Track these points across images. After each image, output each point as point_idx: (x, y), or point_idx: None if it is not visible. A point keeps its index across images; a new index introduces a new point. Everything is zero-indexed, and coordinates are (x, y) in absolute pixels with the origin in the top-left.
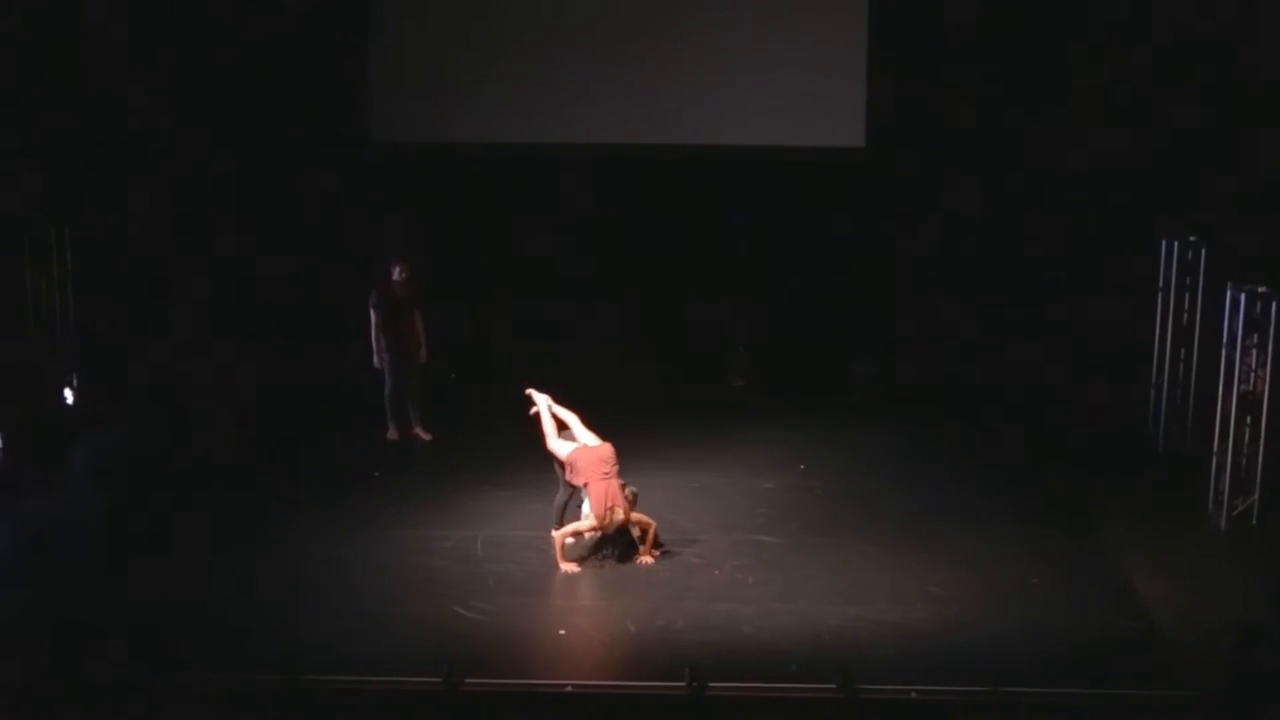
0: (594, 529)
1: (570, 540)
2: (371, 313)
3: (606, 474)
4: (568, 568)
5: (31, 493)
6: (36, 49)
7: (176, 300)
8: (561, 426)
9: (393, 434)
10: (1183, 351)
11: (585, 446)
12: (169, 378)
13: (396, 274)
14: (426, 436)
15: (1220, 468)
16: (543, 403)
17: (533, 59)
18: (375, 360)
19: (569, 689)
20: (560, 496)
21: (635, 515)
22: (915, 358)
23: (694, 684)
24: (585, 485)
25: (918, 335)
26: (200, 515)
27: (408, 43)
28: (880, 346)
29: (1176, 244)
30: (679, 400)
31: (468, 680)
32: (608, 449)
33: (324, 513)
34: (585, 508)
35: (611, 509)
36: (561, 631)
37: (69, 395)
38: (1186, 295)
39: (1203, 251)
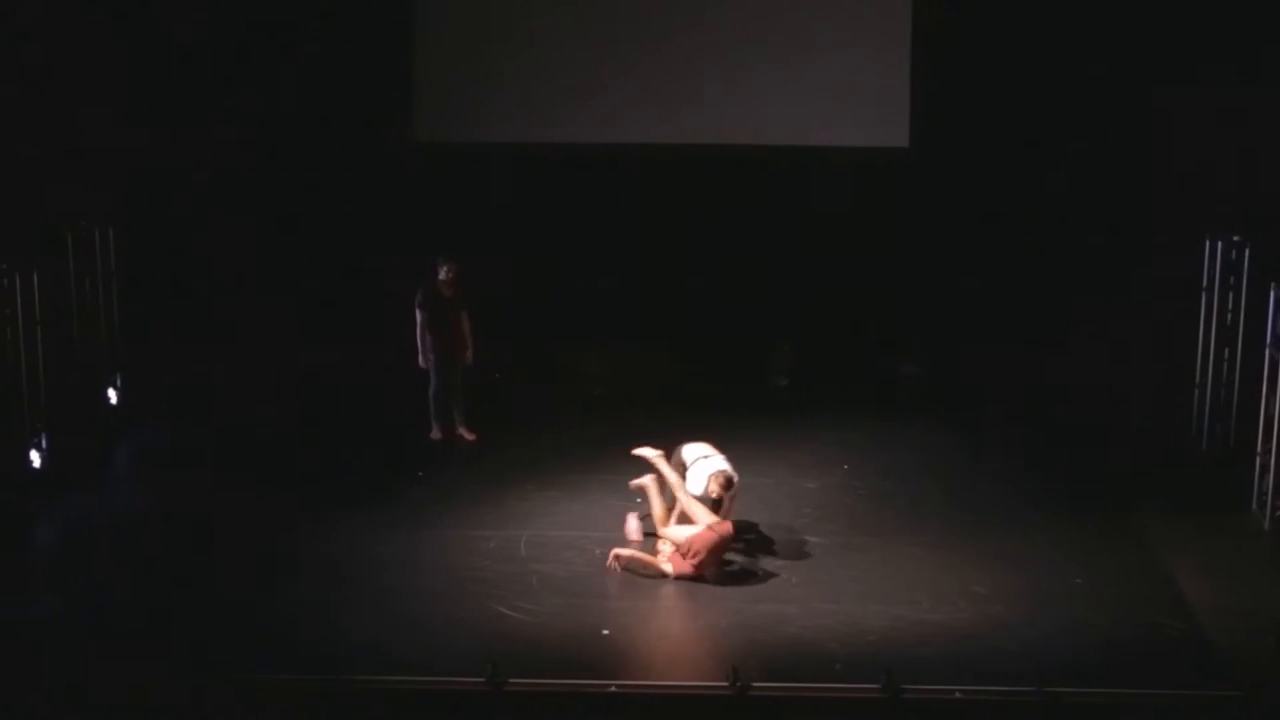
0: (662, 575)
1: (629, 553)
2: (417, 312)
3: (720, 560)
4: (614, 565)
5: (75, 493)
6: (79, 50)
7: (220, 300)
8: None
9: (436, 434)
10: (1226, 351)
11: (710, 529)
12: (211, 377)
13: (443, 274)
14: (470, 437)
15: (1264, 468)
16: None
17: (576, 59)
18: (420, 360)
19: (613, 689)
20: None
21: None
22: (959, 357)
23: (738, 684)
24: (700, 570)
25: (961, 334)
26: (243, 515)
27: (453, 42)
28: (924, 345)
29: (1220, 243)
30: (722, 399)
31: (511, 680)
32: (728, 528)
33: (367, 513)
34: (665, 546)
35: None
36: (605, 631)
37: (113, 395)
38: (1230, 295)
39: (1246, 251)
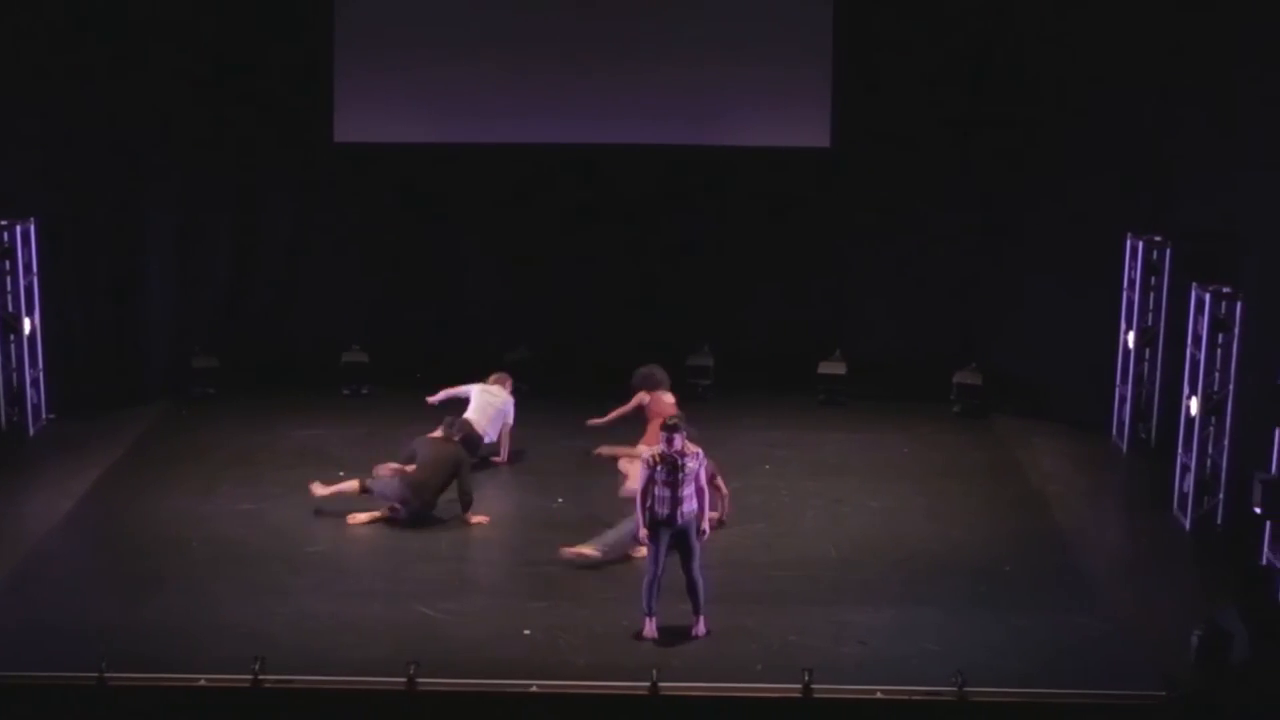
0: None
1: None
2: None
3: None
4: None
5: None
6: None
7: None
8: None
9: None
10: (1147, 351)
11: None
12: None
13: None
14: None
15: (1185, 468)
16: None
17: (499, 60)
18: None
19: (534, 689)
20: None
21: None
22: (881, 355)
23: (658, 685)
24: None
25: (881, 333)
26: (162, 511)
27: (373, 44)
28: (844, 344)
29: (1141, 243)
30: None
31: (432, 681)
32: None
33: (288, 511)
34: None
35: None
36: (526, 632)
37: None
38: (1151, 295)
39: (1168, 251)
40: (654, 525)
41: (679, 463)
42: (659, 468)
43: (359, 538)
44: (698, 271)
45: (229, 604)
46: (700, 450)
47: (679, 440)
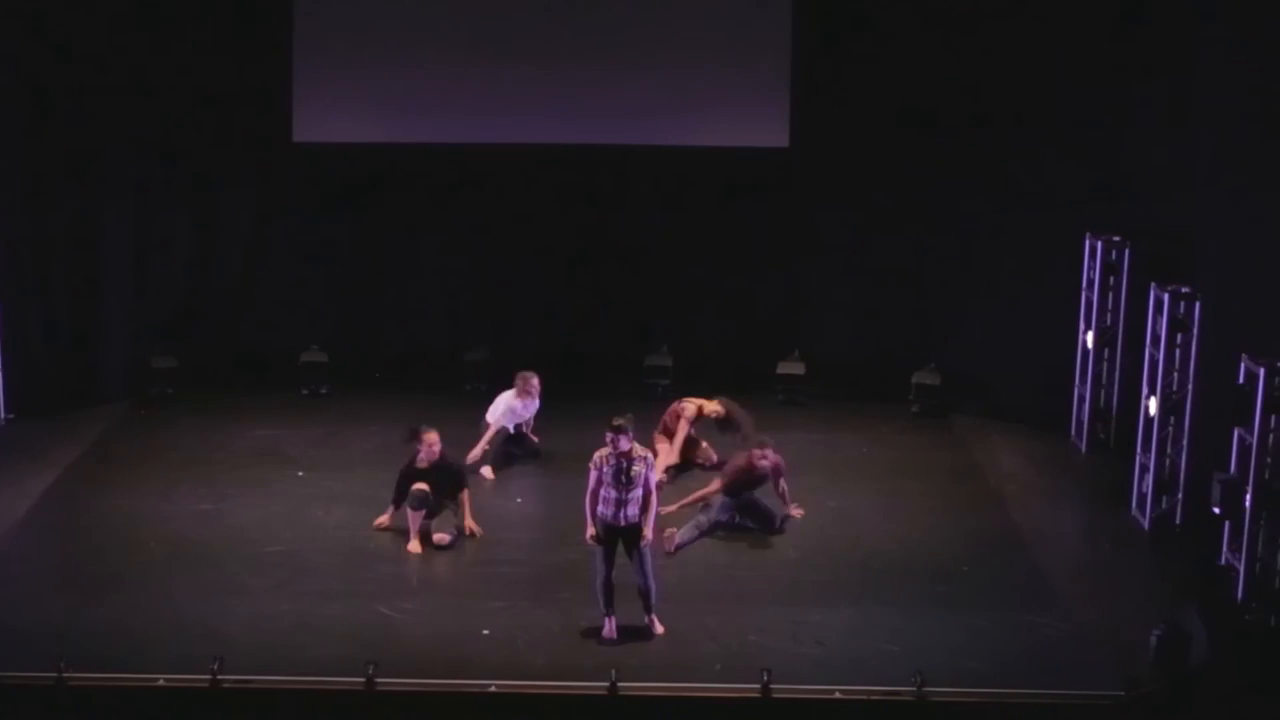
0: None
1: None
2: None
3: None
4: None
5: None
6: None
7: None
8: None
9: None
10: (1106, 351)
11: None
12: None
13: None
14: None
15: (1143, 468)
16: None
17: (458, 61)
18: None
19: (493, 689)
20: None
21: None
22: (840, 355)
23: (617, 684)
24: None
25: (839, 333)
26: (130, 512)
27: (332, 43)
28: (803, 344)
29: (1100, 243)
30: (601, 398)
31: (391, 681)
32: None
33: (247, 511)
34: None
35: None
36: (485, 632)
37: None
38: (1110, 295)
39: (1126, 251)
40: (599, 527)
41: (625, 465)
42: (605, 469)
43: (317, 537)
44: (656, 271)
45: (187, 604)
46: (649, 454)
47: (625, 442)
